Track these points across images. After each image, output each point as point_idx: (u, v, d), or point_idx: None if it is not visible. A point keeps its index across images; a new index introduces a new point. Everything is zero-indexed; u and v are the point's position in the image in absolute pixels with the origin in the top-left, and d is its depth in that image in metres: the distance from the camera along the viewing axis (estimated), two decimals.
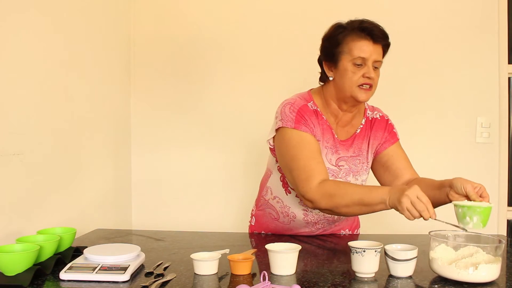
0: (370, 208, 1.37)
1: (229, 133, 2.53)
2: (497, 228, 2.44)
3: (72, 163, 1.89)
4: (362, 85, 1.50)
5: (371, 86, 1.51)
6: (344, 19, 1.59)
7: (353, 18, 1.56)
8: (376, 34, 1.50)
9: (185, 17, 2.55)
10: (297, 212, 1.66)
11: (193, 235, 1.78)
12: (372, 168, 1.70)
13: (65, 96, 1.84)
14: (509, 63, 2.44)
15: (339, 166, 1.60)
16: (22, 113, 1.56)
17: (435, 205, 1.45)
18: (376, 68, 1.52)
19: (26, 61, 1.58)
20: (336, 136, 1.60)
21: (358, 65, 1.50)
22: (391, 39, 2.18)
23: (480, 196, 1.36)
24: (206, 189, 2.55)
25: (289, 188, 1.65)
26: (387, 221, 2.44)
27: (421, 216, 1.27)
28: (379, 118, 1.69)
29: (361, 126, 1.65)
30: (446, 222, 1.32)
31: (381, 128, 1.67)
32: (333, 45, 1.54)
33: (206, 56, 2.54)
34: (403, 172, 1.62)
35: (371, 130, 1.66)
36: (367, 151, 1.66)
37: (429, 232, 1.29)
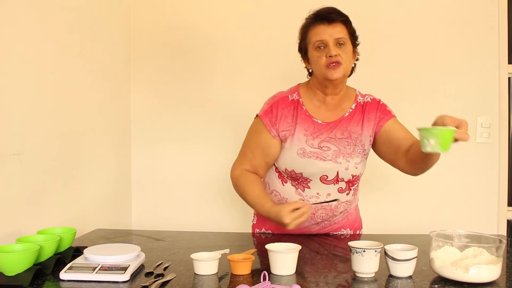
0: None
1: (230, 133, 2.53)
2: (497, 228, 2.44)
3: (72, 163, 1.89)
4: (329, 65, 1.58)
5: (338, 63, 1.58)
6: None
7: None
8: (328, 16, 1.59)
9: (185, 15, 2.54)
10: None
11: (193, 235, 1.78)
12: (375, 149, 1.73)
13: (65, 96, 1.84)
14: (509, 63, 2.44)
15: (321, 147, 1.64)
16: (22, 113, 1.56)
17: (432, 159, 1.48)
18: (341, 45, 1.59)
19: (25, 60, 1.58)
20: (319, 122, 1.67)
21: (320, 48, 1.60)
22: (391, 39, 2.19)
23: (458, 127, 1.29)
24: (207, 189, 2.55)
25: (285, 178, 1.70)
26: (387, 221, 2.44)
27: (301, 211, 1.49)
28: (370, 101, 1.73)
29: (351, 110, 1.70)
30: (322, 202, 1.62)
31: (373, 109, 1.71)
32: (302, 42, 1.69)
33: (207, 54, 2.54)
34: (403, 142, 1.63)
35: (363, 113, 1.70)
36: (361, 134, 1.68)
37: (430, 232, 1.29)
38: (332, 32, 1.58)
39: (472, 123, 2.45)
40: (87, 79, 2.04)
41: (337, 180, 1.66)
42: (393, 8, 2.47)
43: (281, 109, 1.66)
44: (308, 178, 1.65)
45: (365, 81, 2.46)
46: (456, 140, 1.27)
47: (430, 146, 1.26)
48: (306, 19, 1.66)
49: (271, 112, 1.67)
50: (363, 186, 2.29)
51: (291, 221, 1.48)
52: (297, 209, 1.50)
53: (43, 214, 1.66)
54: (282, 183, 1.71)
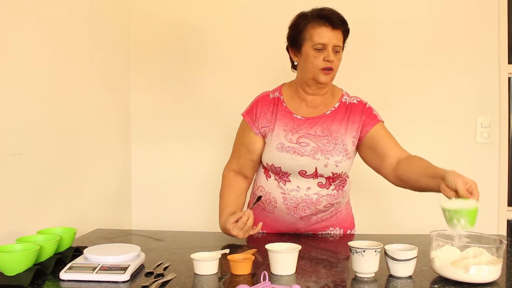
0: None
1: (230, 133, 2.51)
2: (497, 228, 2.44)
3: (72, 163, 1.89)
4: (324, 69, 1.62)
5: (331, 69, 1.63)
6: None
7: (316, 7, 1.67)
8: (334, 21, 1.61)
9: (186, 15, 2.54)
10: (277, 196, 1.72)
11: (193, 235, 1.78)
12: (360, 154, 1.73)
13: (65, 96, 1.84)
14: (509, 63, 2.44)
15: (300, 143, 1.67)
16: (22, 113, 1.56)
17: (427, 190, 1.50)
18: (336, 52, 1.64)
19: (25, 60, 1.58)
20: (299, 117, 1.70)
21: (319, 49, 1.61)
22: (390, 39, 2.18)
23: (470, 193, 1.33)
24: (207, 189, 2.54)
25: (269, 172, 1.74)
26: (387, 221, 2.44)
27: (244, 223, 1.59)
28: (356, 103, 1.73)
29: (333, 108, 1.71)
30: (253, 205, 1.70)
31: (359, 111, 1.71)
32: (296, 33, 1.67)
33: (207, 54, 2.53)
34: (388, 150, 1.64)
35: (348, 114, 1.70)
36: (344, 134, 1.69)
37: (431, 232, 1.29)
38: (333, 38, 1.61)
39: (472, 123, 2.45)
40: (87, 79, 2.04)
41: (316, 175, 1.67)
42: (393, 8, 2.47)
43: (261, 107, 1.73)
44: (287, 172, 1.68)
45: (364, 81, 2.47)
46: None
47: (460, 226, 1.29)
48: (310, 13, 1.65)
49: (251, 110, 1.74)
50: (363, 186, 2.30)
51: (238, 231, 1.59)
52: (238, 219, 1.60)
53: (43, 214, 1.66)
54: (266, 178, 1.75)
